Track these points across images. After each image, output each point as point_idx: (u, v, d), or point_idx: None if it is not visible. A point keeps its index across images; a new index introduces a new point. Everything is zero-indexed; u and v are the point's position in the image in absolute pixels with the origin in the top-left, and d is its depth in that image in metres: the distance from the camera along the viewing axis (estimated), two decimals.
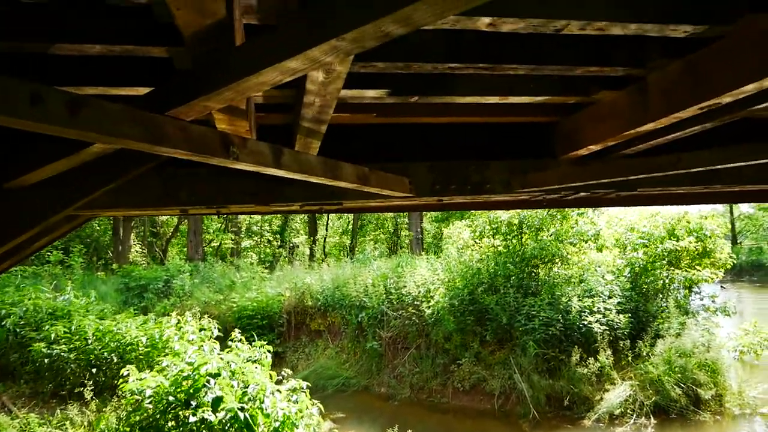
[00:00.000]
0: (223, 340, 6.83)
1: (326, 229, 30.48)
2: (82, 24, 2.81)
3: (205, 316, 9.31)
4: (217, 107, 2.46)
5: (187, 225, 25.00)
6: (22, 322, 8.60)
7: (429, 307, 12.80)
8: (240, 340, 6.65)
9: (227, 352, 6.32)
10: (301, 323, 14.85)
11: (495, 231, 13.34)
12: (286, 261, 25.22)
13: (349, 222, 31.79)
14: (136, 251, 26.60)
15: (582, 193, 5.66)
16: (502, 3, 2.53)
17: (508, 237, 13.24)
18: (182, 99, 2.38)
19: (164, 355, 6.72)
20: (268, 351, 6.42)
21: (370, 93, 3.74)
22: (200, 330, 7.39)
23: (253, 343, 6.56)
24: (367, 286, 14.22)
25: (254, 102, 3.94)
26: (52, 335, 7.65)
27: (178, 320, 7.70)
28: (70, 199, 4.20)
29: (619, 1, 2.72)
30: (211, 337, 7.63)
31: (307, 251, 27.63)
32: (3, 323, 8.49)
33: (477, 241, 14.45)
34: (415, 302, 13.38)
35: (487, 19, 2.62)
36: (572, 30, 2.80)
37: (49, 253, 18.10)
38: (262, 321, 14.40)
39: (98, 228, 25.54)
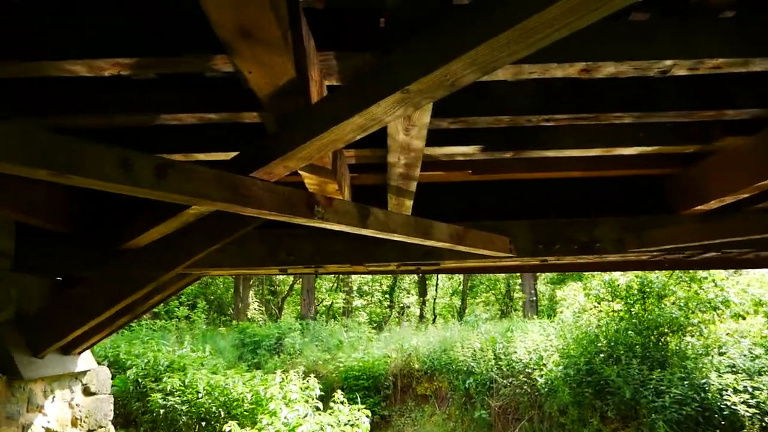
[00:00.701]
0: (328, 400, 6.76)
1: (436, 290, 30.13)
2: (184, 96, 2.98)
3: (312, 374, 9.34)
4: (297, 167, 2.46)
5: (301, 284, 25.89)
6: (143, 373, 9.19)
7: (542, 376, 11.95)
8: (342, 402, 6.53)
9: (329, 413, 6.21)
10: (407, 386, 14.49)
11: (613, 294, 12.33)
12: (395, 321, 25.09)
13: (459, 283, 31.23)
14: (255, 308, 27.88)
15: (712, 253, 5.05)
16: (593, 47, 2.34)
17: (629, 301, 12.17)
18: (264, 160, 2.40)
19: (265, 413, 6.78)
20: (367, 416, 6.23)
21: (462, 149, 3.63)
22: (304, 389, 7.40)
23: (351, 407, 6.40)
24: (474, 351, 13.65)
25: (348, 162, 3.98)
26: (168, 387, 8.06)
27: (283, 378, 7.79)
28: (178, 259, 4.43)
29: (737, 36, 2.42)
30: (313, 397, 7.60)
31: (417, 312, 27.38)
32: (127, 373, 9.11)
33: (596, 304, 13.46)
34: (527, 369, 12.56)
35: (579, 65, 2.43)
36: (681, 71, 2.52)
37: (176, 309, 19.43)
38: (368, 382, 14.24)
39: (221, 286, 27.18)
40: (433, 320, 24.55)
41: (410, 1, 1.53)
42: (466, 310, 26.83)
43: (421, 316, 26.05)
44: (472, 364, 13.51)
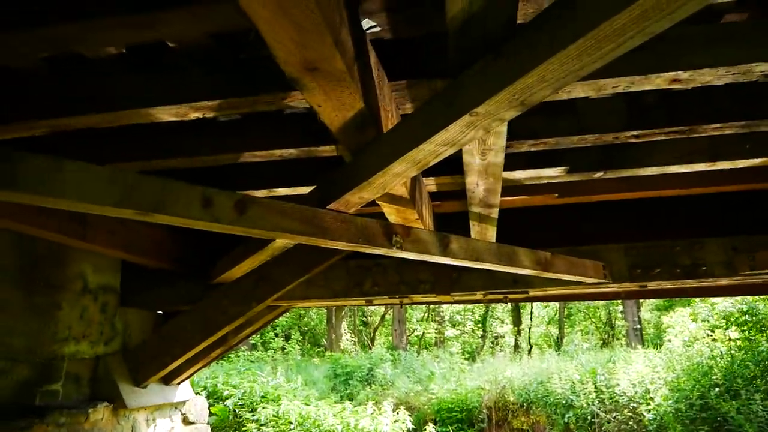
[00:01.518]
0: None
1: (531, 318, 29.07)
2: (263, 133, 3.08)
3: (403, 406, 9.23)
4: (373, 197, 2.45)
5: (392, 314, 25.92)
6: (240, 403, 9.49)
7: (649, 411, 11.06)
8: None
9: None
10: (502, 420, 13.94)
11: (727, 322, 11.27)
12: (489, 352, 24.40)
13: (555, 311, 29.97)
14: (347, 339, 28.20)
15: None
16: (683, 54, 2.16)
17: (746, 329, 11.06)
18: (339, 192, 2.41)
19: None
20: None
21: (546, 172, 3.48)
22: (394, 422, 7.31)
23: None
24: (573, 383, 12.92)
25: (429, 190, 3.94)
26: (262, 417, 8.27)
27: (374, 410, 7.74)
28: (266, 291, 4.55)
29: None
30: (404, 430, 7.49)
31: (512, 342, 26.51)
32: (225, 403, 9.45)
33: (709, 332, 12.37)
34: (632, 404, 11.68)
35: (668, 75, 2.26)
36: None
37: (272, 340, 20.06)
38: (461, 414, 13.85)
39: (315, 317, 27.79)
40: (529, 350, 23.62)
41: (473, 25, 1.48)
42: (564, 340, 25.63)
43: (516, 346, 25.16)
44: (571, 397, 12.79)
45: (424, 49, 2.36)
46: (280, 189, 3.50)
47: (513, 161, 3.35)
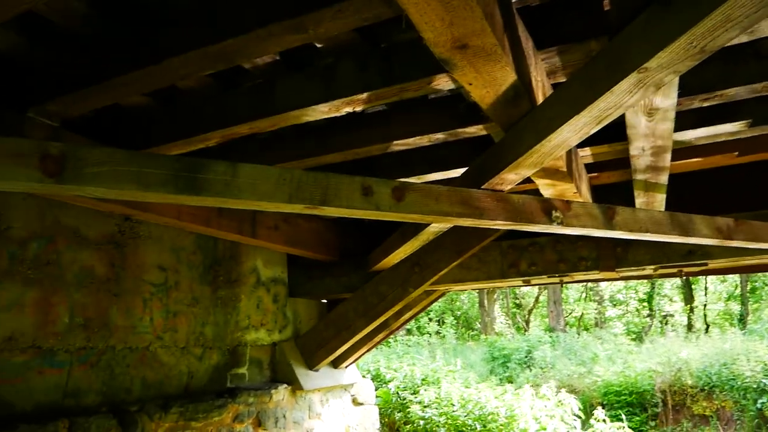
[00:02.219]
0: (586, 417, 6.34)
1: (705, 295, 26.39)
2: (411, 121, 3.11)
3: (565, 390, 8.90)
4: (529, 173, 2.37)
5: (547, 295, 25.06)
6: (402, 386, 9.79)
7: None
8: (603, 420, 6.06)
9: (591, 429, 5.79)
10: (680, 404, 12.82)
11: None
12: (657, 332, 22.61)
13: (736, 285, 26.87)
14: (501, 322, 27.82)
15: None
16: None
17: None
18: (493, 171, 2.37)
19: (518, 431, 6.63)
20: None
21: (723, 128, 3.11)
22: (558, 405, 7.07)
23: (612, 425, 5.88)
24: (766, 364, 11.50)
25: (584, 162, 3.72)
26: (425, 399, 8.46)
27: (534, 393, 7.56)
28: (423, 276, 4.63)
29: None
30: (569, 413, 7.22)
31: (683, 321, 24.29)
32: (389, 385, 9.82)
33: None
34: None
35: None
36: None
37: (426, 325, 20.41)
38: (631, 398, 12.99)
39: (467, 301, 27.79)
40: (706, 329, 21.48)
41: None
42: (749, 317, 22.94)
43: (690, 325, 23.02)
44: (763, 381, 11.41)
45: (572, 12, 2.21)
46: (430, 174, 3.52)
47: (682, 120, 3.04)
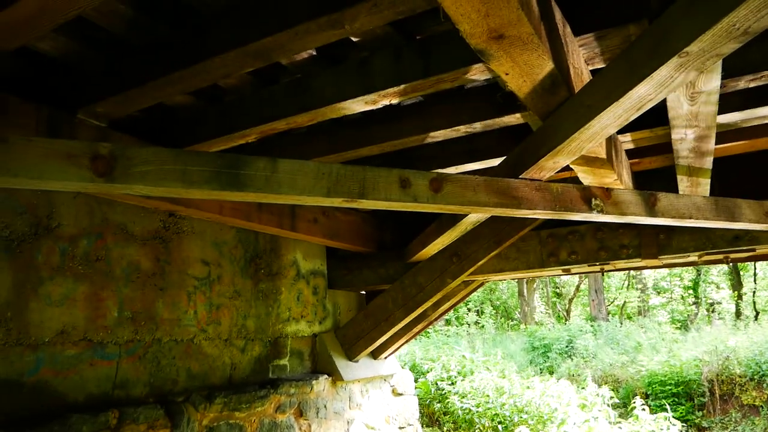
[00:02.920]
0: (630, 407, 6.24)
1: (754, 281, 25.50)
2: (448, 111, 3.11)
3: (608, 379, 8.78)
4: (568, 161, 2.35)
5: (588, 283, 24.64)
6: (441, 376, 9.83)
7: None
8: (643, 409, 5.96)
9: (631, 421, 5.70)
10: (728, 394, 12.47)
11: None
12: (704, 320, 22.00)
13: None
14: (541, 311, 27.51)
15: None
16: None
17: None
18: (532, 160, 2.36)
19: (555, 421, 6.58)
20: (676, 426, 5.53)
21: None
22: (597, 395, 6.99)
23: (656, 416, 5.78)
24: None
25: (625, 148, 3.65)
26: (463, 390, 8.48)
27: (574, 383, 7.48)
28: (462, 267, 4.64)
29: None
30: (607, 403, 7.13)
31: (732, 308, 23.54)
32: (427, 376, 9.87)
33: None
34: None
35: None
36: None
37: (465, 315, 20.36)
38: (677, 388, 12.69)
39: (506, 291, 27.57)
40: (756, 317, 20.79)
41: None
42: None
43: (738, 313, 22.30)
44: None
45: None
46: (468, 164, 3.52)
47: (726, 102, 2.95)
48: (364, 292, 6.03)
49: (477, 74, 2.47)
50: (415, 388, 7.25)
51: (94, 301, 3.48)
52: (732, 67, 2.55)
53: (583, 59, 2.33)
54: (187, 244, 4.10)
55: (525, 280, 24.42)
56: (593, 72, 2.56)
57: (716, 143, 3.14)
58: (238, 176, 2.02)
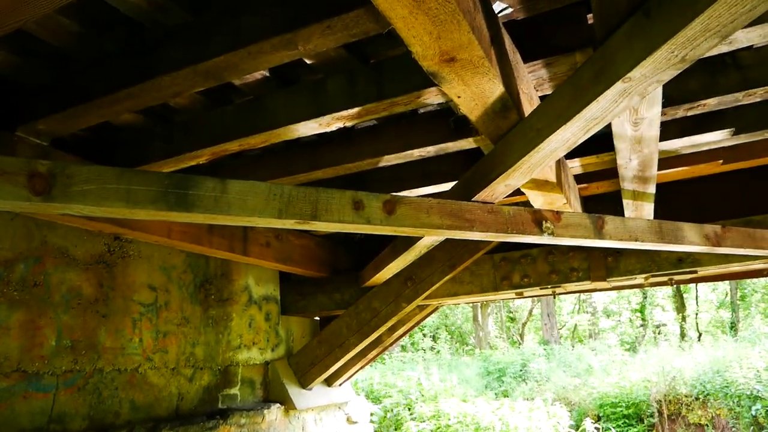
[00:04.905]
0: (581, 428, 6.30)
1: (696, 303, 26.51)
2: (402, 135, 3.13)
3: (561, 402, 8.88)
4: (519, 184, 2.38)
5: (540, 307, 25.07)
6: (396, 402, 9.74)
7: None
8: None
9: None
10: (675, 414, 12.81)
11: None
12: (651, 342, 22.67)
13: (726, 293, 27.04)
14: (495, 336, 27.76)
15: None
16: None
17: None
18: (484, 183, 2.38)
19: None
20: None
21: (708, 137, 3.16)
22: (551, 417, 7.05)
23: None
24: (758, 371, 11.55)
25: (573, 173, 3.75)
26: (421, 415, 8.42)
27: (528, 407, 7.53)
28: (416, 291, 4.63)
29: None
30: (562, 425, 7.20)
31: (676, 330, 24.37)
32: (382, 402, 9.77)
33: None
34: None
35: None
36: None
37: (421, 341, 20.33)
38: (628, 410, 12.97)
39: (460, 315, 27.74)
40: (698, 338, 21.57)
41: None
42: (740, 324, 23.06)
43: (683, 334, 23.10)
44: (757, 387, 11.45)
45: (557, 25, 2.25)
46: (422, 188, 3.54)
47: (666, 129, 3.08)
48: (318, 318, 5.94)
49: (430, 98, 2.50)
50: (371, 415, 7.14)
51: (30, 329, 3.29)
52: (672, 97, 2.67)
53: (533, 85, 2.39)
54: (133, 269, 3.95)
55: (479, 304, 24.64)
56: (542, 97, 2.63)
57: (659, 169, 3.27)
58: (187, 196, 1.96)
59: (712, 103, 2.71)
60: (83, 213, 1.86)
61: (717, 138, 3.12)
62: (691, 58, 1.40)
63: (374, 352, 5.50)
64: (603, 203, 4.32)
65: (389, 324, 4.83)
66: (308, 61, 2.62)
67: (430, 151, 3.12)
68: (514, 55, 2.10)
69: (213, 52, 2.23)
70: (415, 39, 1.50)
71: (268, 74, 2.74)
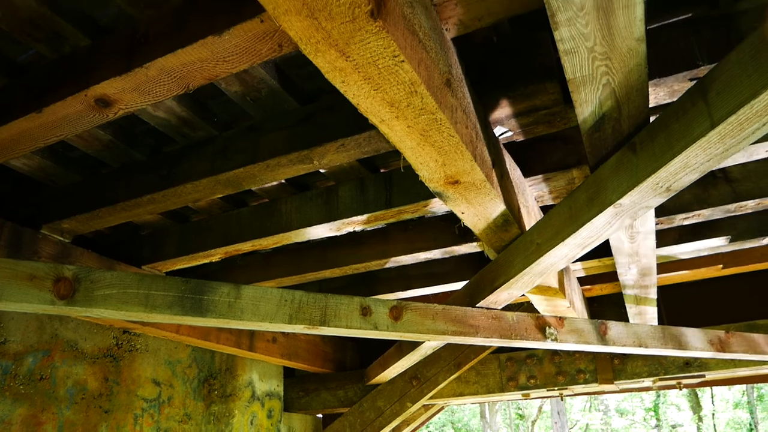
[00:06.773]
0: None
1: (712, 402, 25.54)
2: (409, 239, 3.25)
3: None
4: (521, 292, 2.46)
5: (551, 405, 24.19)
6: None
7: None
8: None
9: None
10: None
11: None
12: None
13: (742, 392, 26.09)
14: None
15: None
16: None
17: None
18: (487, 290, 2.46)
19: None
20: None
21: (706, 244, 3.26)
22: None
23: None
24: None
25: (576, 276, 3.83)
26: None
27: None
28: (421, 391, 4.57)
29: None
30: None
31: (693, 431, 23.32)
32: None
33: None
34: None
35: None
36: None
37: None
38: None
39: (468, 412, 26.77)
40: None
41: (605, 122, 1.53)
42: (759, 427, 22.09)
43: None
44: None
45: (555, 145, 2.42)
46: (428, 288, 3.61)
47: (665, 236, 3.20)
48: (321, 416, 5.80)
49: (436, 206, 2.64)
50: None
51: (31, 425, 3.26)
52: (667, 208, 2.80)
53: (533, 197, 2.53)
54: (140, 363, 3.96)
55: (487, 403, 23.84)
56: (543, 208, 2.77)
57: (660, 272, 3.35)
58: (202, 301, 2.05)
59: (705, 214, 2.83)
60: (103, 316, 1.94)
61: (715, 244, 3.22)
62: (675, 189, 1.52)
63: None
64: (608, 304, 4.37)
65: (394, 424, 4.72)
66: (322, 170, 2.79)
67: (435, 253, 3.22)
68: (515, 173, 2.25)
69: (234, 164, 2.40)
70: (422, 165, 1.64)
71: (283, 181, 2.91)
